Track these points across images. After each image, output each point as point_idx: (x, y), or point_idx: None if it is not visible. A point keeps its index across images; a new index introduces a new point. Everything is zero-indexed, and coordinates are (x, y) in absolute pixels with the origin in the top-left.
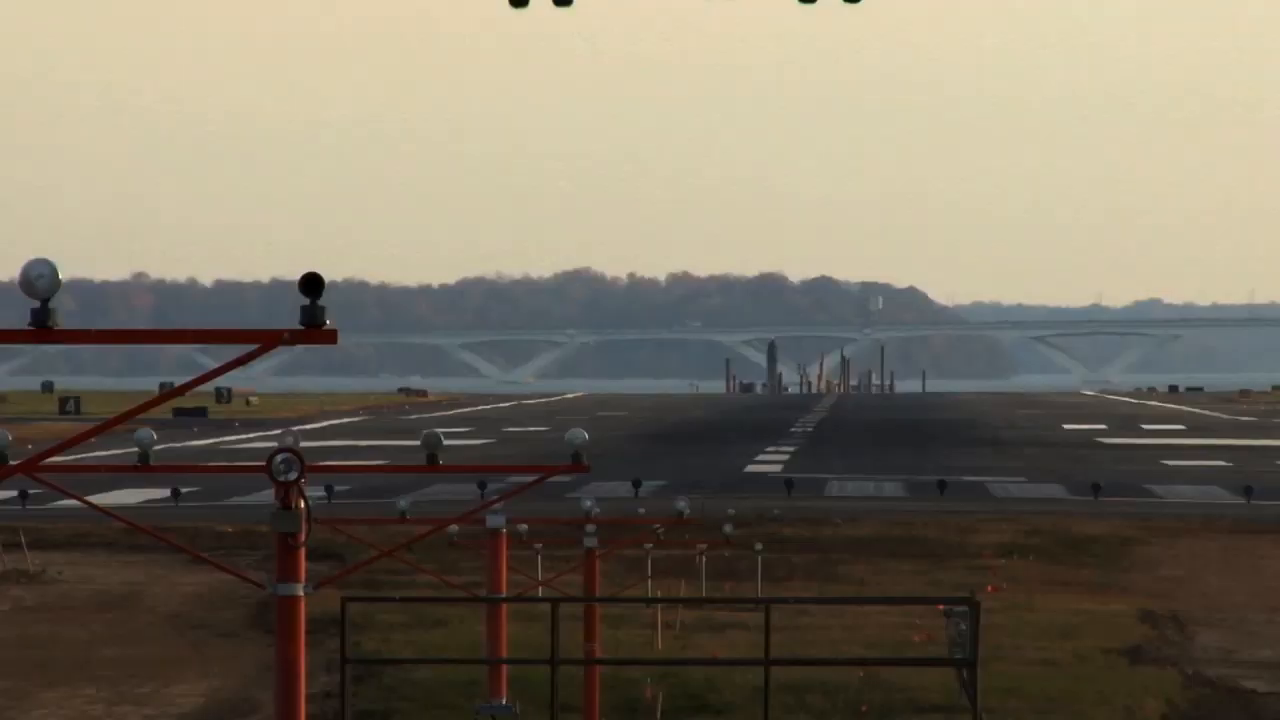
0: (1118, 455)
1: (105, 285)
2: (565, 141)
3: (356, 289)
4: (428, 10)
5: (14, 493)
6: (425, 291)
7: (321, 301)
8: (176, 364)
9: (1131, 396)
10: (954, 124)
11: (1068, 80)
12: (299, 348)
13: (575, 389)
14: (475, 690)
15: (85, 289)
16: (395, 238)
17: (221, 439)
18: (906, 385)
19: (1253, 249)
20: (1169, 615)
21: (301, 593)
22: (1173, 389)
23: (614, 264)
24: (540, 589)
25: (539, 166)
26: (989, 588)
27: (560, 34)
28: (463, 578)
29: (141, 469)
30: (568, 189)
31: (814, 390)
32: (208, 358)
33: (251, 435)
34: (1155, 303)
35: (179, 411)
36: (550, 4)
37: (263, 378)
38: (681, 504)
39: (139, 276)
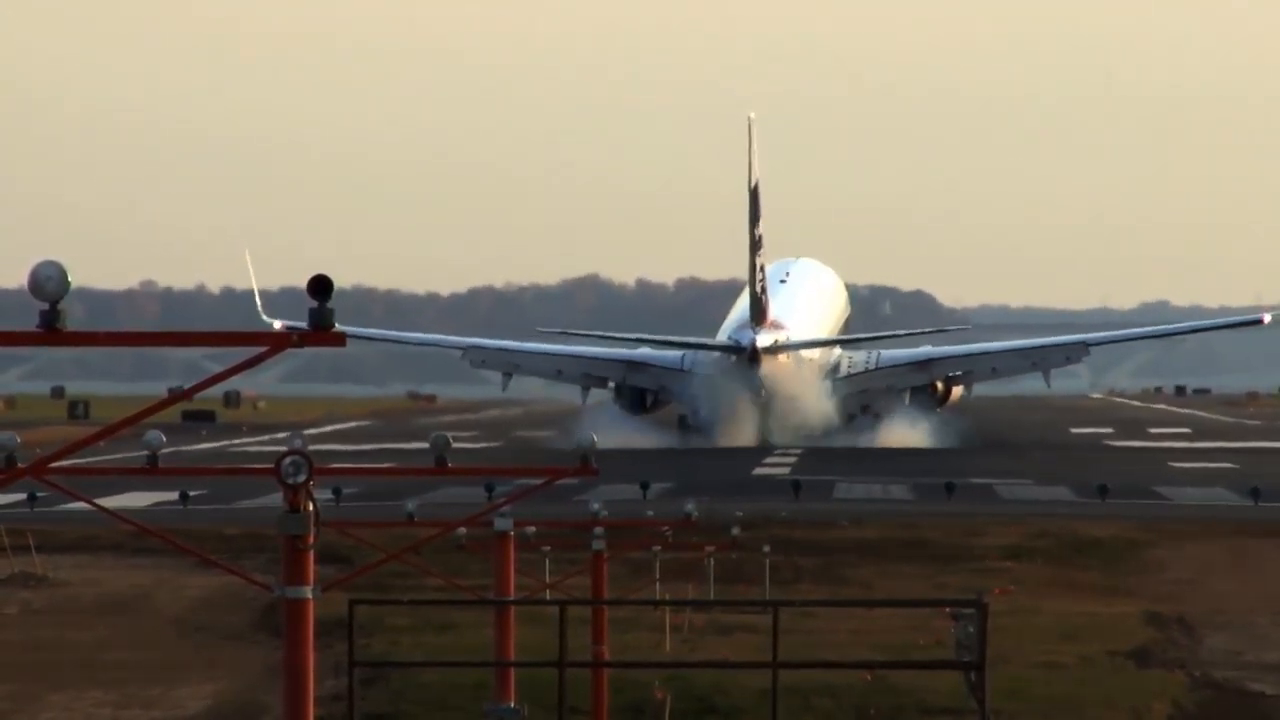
0: (1124, 458)
1: (112, 294)
2: (570, 147)
3: (364, 295)
4: (434, 16)
5: (22, 495)
6: (434, 299)
7: (330, 304)
8: (185, 370)
9: (1138, 399)
10: (961, 126)
11: (1074, 81)
12: (308, 353)
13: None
14: (483, 693)
15: (92, 297)
16: (403, 245)
17: (230, 442)
18: None
19: (1260, 250)
20: (1176, 618)
21: (309, 595)
22: (1179, 391)
23: (621, 269)
24: (548, 591)
25: (545, 171)
26: (995, 590)
27: (563, 38)
28: (471, 580)
29: (150, 471)
30: (574, 195)
31: None
32: (216, 364)
33: (260, 439)
34: (1162, 304)
35: (188, 415)
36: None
37: (271, 383)
38: (690, 506)
39: (146, 284)
